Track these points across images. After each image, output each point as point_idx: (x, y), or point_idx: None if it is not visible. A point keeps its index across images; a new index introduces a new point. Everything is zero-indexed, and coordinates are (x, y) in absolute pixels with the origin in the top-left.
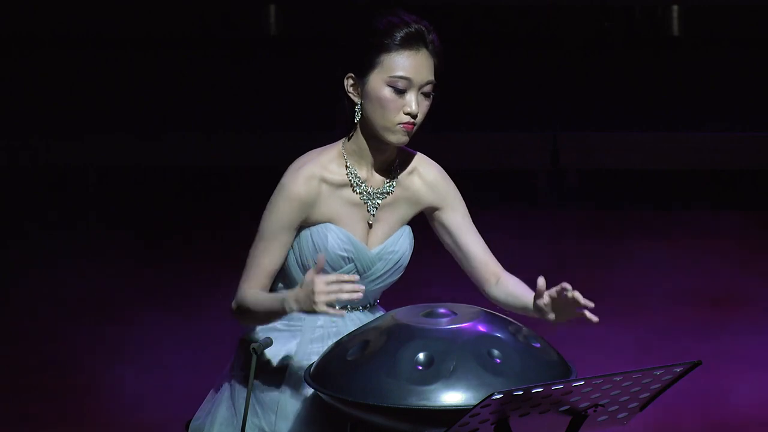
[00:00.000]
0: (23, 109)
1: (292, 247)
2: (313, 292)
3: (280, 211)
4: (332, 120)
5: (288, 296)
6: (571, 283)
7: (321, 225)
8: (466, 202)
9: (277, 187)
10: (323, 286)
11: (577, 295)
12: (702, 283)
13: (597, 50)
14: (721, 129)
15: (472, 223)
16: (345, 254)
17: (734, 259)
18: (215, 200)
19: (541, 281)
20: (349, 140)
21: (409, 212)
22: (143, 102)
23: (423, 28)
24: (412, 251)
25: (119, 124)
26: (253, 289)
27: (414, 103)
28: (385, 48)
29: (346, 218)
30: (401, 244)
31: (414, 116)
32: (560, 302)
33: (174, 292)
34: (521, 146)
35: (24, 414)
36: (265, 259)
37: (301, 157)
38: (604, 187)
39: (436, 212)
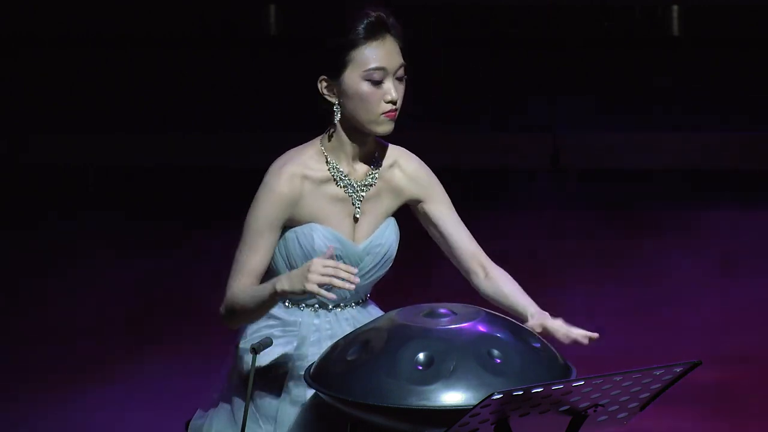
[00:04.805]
0: (23, 108)
1: (280, 249)
2: (308, 271)
3: (265, 210)
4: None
5: (281, 276)
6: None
7: (306, 226)
8: (466, 202)
9: (260, 187)
10: (320, 267)
11: (578, 337)
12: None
13: (597, 50)
14: (721, 129)
15: (456, 214)
16: (333, 252)
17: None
18: (215, 200)
19: (530, 322)
20: (327, 137)
21: (392, 204)
22: (143, 102)
23: (382, 15)
24: (398, 243)
25: (119, 124)
26: (242, 286)
27: (393, 90)
28: (351, 44)
29: (332, 214)
30: (387, 236)
31: (395, 102)
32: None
33: (173, 292)
34: (521, 146)
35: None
36: (251, 258)
37: (280, 156)
38: (603, 187)
39: (420, 204)
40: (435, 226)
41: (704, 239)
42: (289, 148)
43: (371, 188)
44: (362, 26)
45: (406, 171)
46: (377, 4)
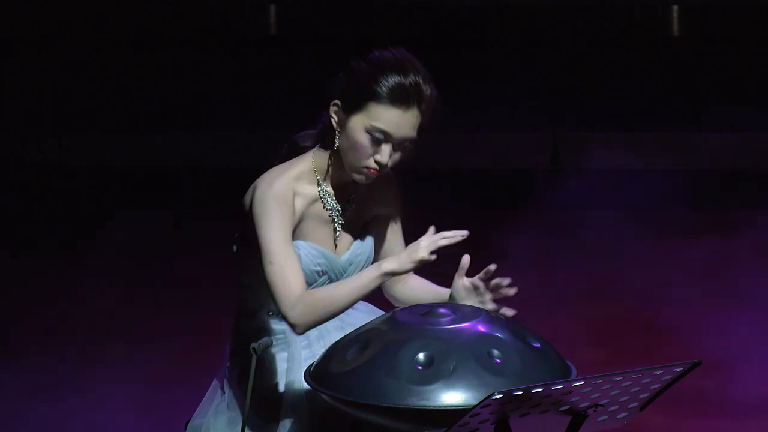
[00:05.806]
0: (23, 108)
1: None
2: (417, 247)
3: (276, 219)
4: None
5: (385, 259)
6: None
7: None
8: (464, 202)
9: (257, 206)
10: (426, 241)
11: (504, 286)
12: (701, 282)
13: (597, 50)
14: (721, 129)
15: (401, 228)
16: (319, 268)
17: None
18: (214, 200)
19: (465, 259)
20: (321, 156)
21: (368, 214)
22: (144, 102)
23: (420, 83)
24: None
25: (120, 123)
26: (306, 289)
27: (386, 155)
28: (374, 96)
29: (316, 232)
30: (366, 243)
31: (383, 165)
32: (480, 287)
33: (172, 291)
34: (521, 146)
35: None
36: (292, 267)
37: (267, 173)
38: (603, 187)
39: (375, 215)
40: (382, 236)
41: (704, 239)
42: (288, 147)
43: (352, 207)
44: (393, 85)
45: (378, 186)
46: (417, 66)
